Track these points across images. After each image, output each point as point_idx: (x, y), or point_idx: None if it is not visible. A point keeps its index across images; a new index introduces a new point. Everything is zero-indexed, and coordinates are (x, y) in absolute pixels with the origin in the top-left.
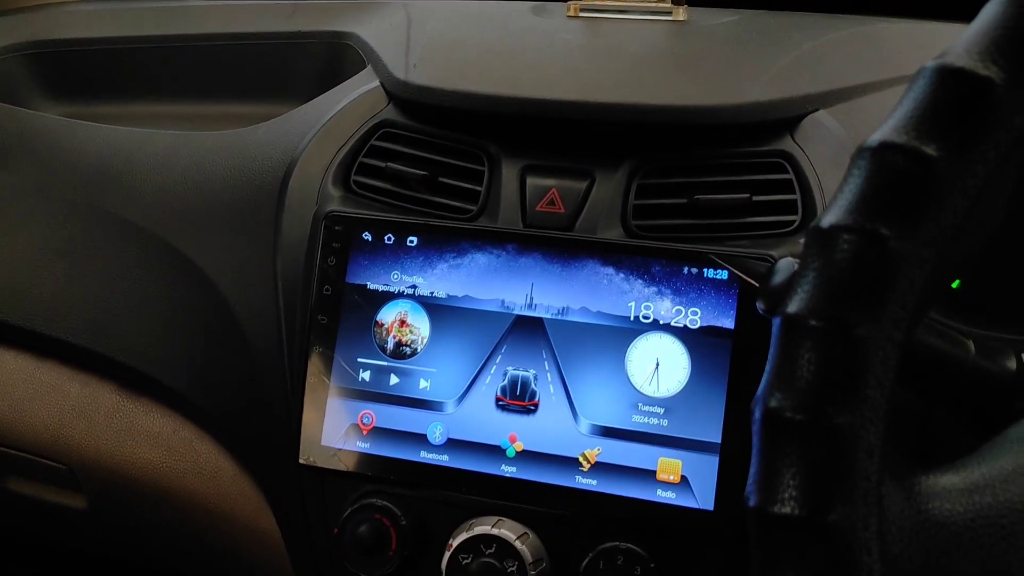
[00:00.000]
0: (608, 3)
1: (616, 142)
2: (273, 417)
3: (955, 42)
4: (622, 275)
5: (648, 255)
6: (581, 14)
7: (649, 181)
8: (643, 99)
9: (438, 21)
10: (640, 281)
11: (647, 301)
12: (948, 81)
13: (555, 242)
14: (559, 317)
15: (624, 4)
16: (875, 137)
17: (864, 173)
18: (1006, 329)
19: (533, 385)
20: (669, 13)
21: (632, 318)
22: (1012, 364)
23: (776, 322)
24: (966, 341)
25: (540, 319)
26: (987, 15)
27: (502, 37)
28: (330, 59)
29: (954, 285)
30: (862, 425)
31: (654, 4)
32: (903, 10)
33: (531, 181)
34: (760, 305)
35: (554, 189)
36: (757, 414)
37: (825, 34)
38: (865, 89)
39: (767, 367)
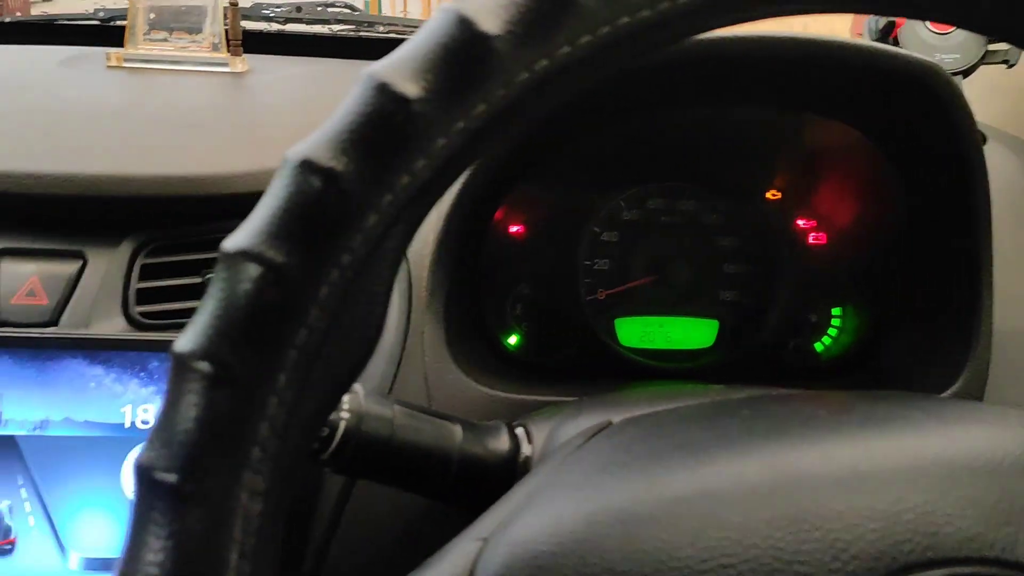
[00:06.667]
0: (157, 52)
1: (112, 218)
2: None
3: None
4: (113, 375)
5: (144, 349)
6: (125, 64)
7: (155, 260)
8: (137, 169)
9: None
10: (136, 381)
11: (146, 404)
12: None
13: (26, 342)
14: (36, 432)
15: (177, 54)
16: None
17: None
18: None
19: (7, 519)
20: (226, 64)
21: (128, 425)
22: (503, 444)
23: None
24: (452, 427)
25: (12, 437)
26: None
27: (9, 93)
28: None
29: (511, 346)
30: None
31: (209, 55)
32: None
33: (7, 268)
34: None
35: (35, 277)
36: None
37: None
38: None
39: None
